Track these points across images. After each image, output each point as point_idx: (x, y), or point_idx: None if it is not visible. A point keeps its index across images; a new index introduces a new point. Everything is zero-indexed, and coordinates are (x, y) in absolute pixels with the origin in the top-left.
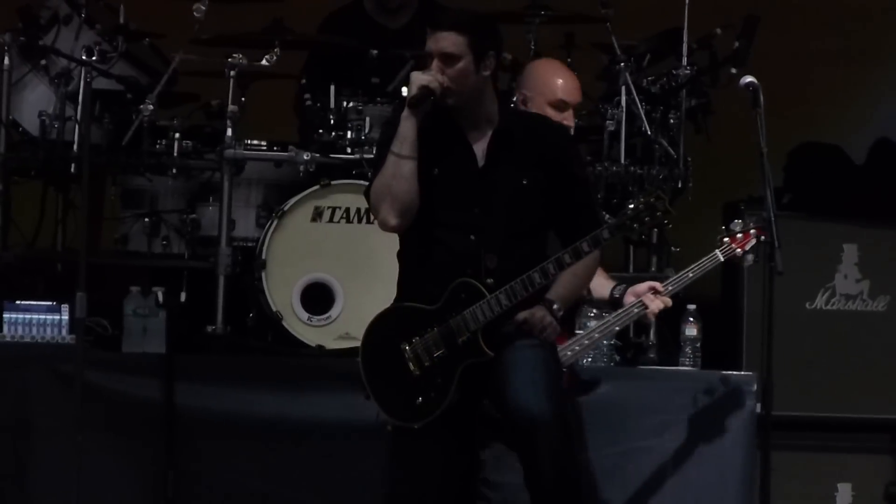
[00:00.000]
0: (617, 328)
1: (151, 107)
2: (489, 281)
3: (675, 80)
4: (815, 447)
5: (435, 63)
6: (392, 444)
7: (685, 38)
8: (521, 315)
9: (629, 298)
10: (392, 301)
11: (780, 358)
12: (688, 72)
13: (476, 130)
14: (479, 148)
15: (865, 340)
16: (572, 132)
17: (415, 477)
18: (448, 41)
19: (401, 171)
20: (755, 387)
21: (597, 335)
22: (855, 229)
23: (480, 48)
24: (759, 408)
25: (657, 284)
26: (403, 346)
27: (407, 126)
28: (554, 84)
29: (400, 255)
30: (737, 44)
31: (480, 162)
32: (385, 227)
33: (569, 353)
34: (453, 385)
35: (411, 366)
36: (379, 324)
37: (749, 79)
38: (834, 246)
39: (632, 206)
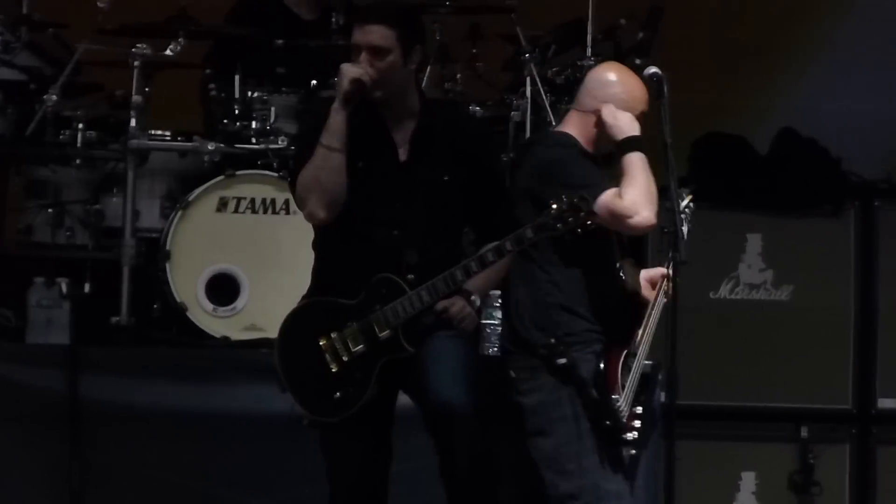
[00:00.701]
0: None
1: (55, 97)
2: (410, 277)
3: (580, 70)
4: (720, 436)
5: (363, 56)
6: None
7: (590, 30)
8: (441, 304)
9: (646, 286)
10: (300, 291)
11: (685, 347)
12: (592, 63)
13: (399, 124)
14: (402, 143)
15: (769, 330)
16: None
17: (333, 470)
18: (377, 34)
19: (330, 163)
20: (660, 376)
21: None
22: (759, 219)
23: (409, 41)
24: (663, 397)
25: (664, 270)
26: (321, 340)
27: (337, 119)
28: (643, 97)
29: (317, 247)
30: (641, 35)
31: (403, 157)
32: (313, 219)
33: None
34: (372, 380)
35: (329, 360)
36: (296, 317)
37: (653, 69)
38: (738, 236)
39: (555, 206)
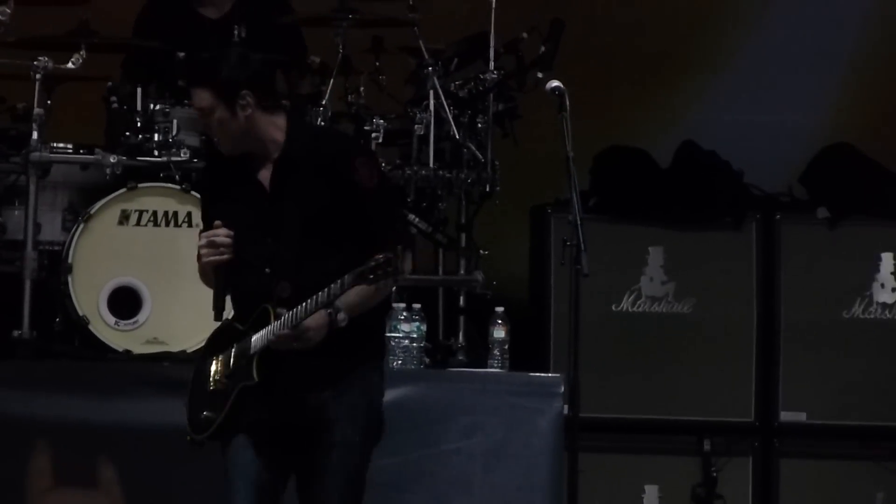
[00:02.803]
0: None
1: None
2: (280, 311)
3: (482, 84)
4: (623, 449)
5: (200, 121)
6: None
7: (492, 43)
8: (304, 323)
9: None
10: (202, 304)
11: (587, 359)
12: (495, 76)
13: (262, 161)
14: (265, 178)
15: (671, 342)
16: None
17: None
18: (198, 97)
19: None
20: (562, 388)
21: None
22: (660, 232)
23: (227, 93)
24: (566, 409)
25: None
26: (210, 360)
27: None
28: None
29: None
30: (543, 48)
31: (267, 192)
32: None
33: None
34: (228, 404)
35: (209, 380)
36: (212, 336)
37: (555, 83)
38: (640, 248)
39: (373, 262)
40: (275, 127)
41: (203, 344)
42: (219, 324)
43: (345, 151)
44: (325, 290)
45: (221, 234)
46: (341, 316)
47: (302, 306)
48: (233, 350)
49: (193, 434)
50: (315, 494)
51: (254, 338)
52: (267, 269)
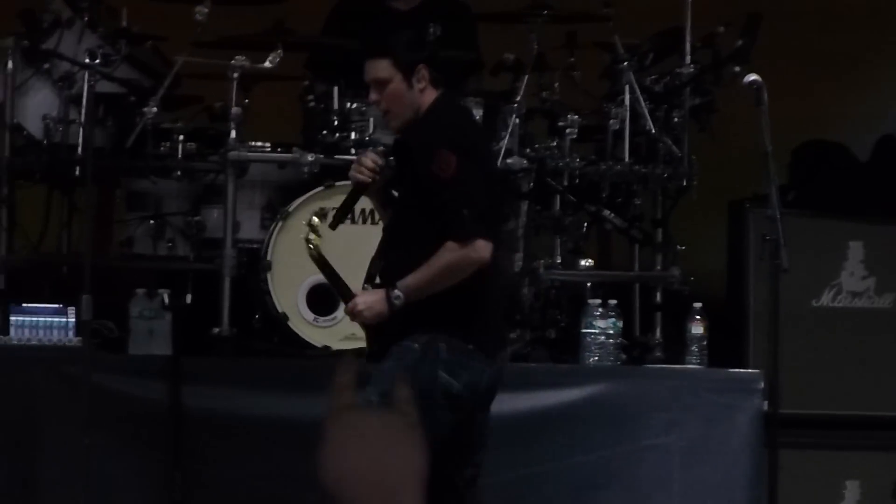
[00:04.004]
0: None
1: (155, 109)
2: (377, 281)
3: (678, 78)
4: (823, 445)
5: (372, 90)
6: None
7: (688, 37)
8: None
9: None
10: None
11: (787, 355)
12: (691, 70)
13: None
14: None
15: (872, 337)
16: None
17: None
18: (376, 68)
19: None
20: (762, 384)
21: None
22: (860, 226)
23: (407, 65)
24: (765, 406)
25: None
26: None
27: (372, 199)
28: None
29: None
30: (739, 42)
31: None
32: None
33: None
34: None
35: None
36: None
37: (752, 77)
38: (839, 243)
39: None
40: (432, 110)
41: None
42: None
43: (427, 143)
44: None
45: (370, 158)
46: (395, 293)
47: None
48: None
49: None
50: None
51: None
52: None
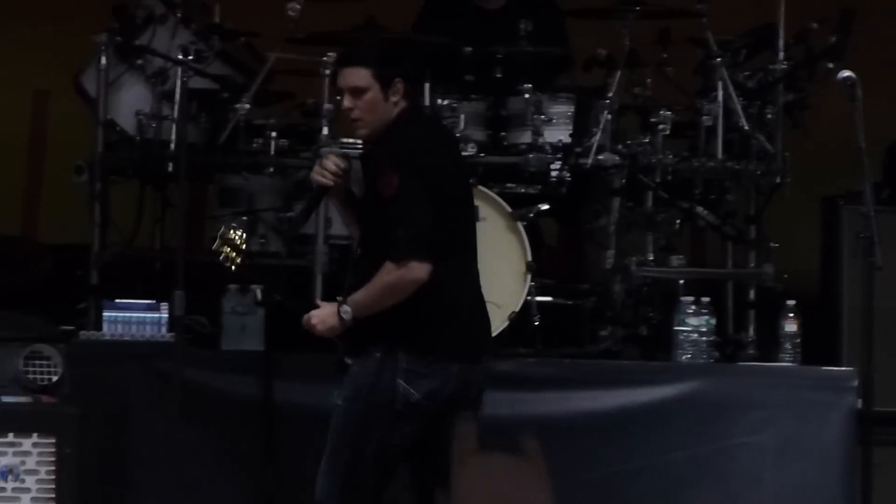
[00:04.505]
0: None
1: (247, 106)
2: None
3: (771, 74)
4: None
5: (346, 97)
6: None
7: (781, 33)
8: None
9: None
10: (493, 296)
11: (881, 353)
12: (784, 66)
13: None
14: None
15: None
16: None
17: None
18: (354, 76)
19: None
20: (855, 382)
21: None
22: None
23: (385, 77)
24: (859, 403)
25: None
26: None
27: (334, 202)
28: None
29: None
30: (833, 38)
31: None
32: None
33: None
34: None
35: None
36: None
37: (846, 73)
38: None
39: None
40: (405, 124)
41: None
42: None
43: (375, 161)
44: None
45: (332, 161)
46: (345, 308)
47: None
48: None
49: None
50: None
51: None
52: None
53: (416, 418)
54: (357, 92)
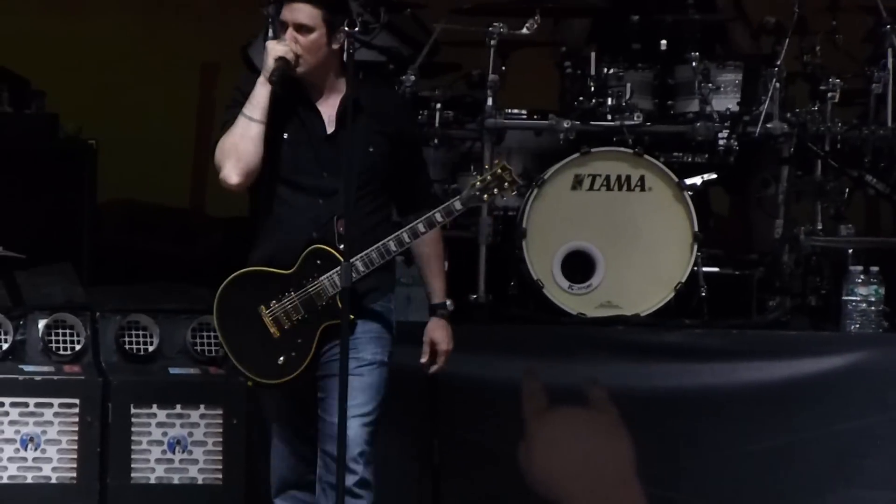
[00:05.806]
0: None
1: (413, 77)
2: (341, 247)
3: None
4: None
5: (289, 32)
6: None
7: None
8: (428, 346)
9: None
10: (656, 269)
11: None
12: None
13: (326, 100)
14: (328, 115)
15: None
16: None
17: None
18: (303, 13)
19: (249, 133)
20: None
21: None
22: None
23: (333, 22)
24: None
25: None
26: (261, 308)
27: (261, 92)
28: None
29: (252, 215)
30: None
31: (329, 128)
32: (226, 184)
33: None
34: (314, 345)
35: (271, 328)
36: (233, 287)
37: None
38: None
39: (480, 178)
40: (340, 72)
41: (223, 297)
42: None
43: (404, 109)
44: (397, 236)
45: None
46: (447, 305)
47: (376, 250)
48: (293, 295)
49: (268, 380)
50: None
51: (326, 281)
52: (320, 201)
53: None
54: (303, 29)
